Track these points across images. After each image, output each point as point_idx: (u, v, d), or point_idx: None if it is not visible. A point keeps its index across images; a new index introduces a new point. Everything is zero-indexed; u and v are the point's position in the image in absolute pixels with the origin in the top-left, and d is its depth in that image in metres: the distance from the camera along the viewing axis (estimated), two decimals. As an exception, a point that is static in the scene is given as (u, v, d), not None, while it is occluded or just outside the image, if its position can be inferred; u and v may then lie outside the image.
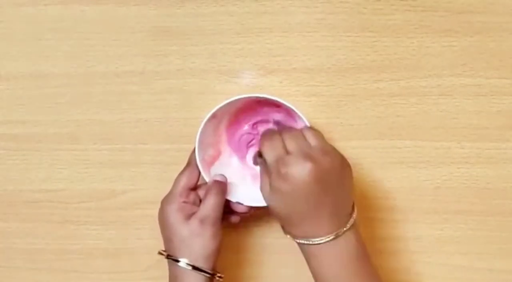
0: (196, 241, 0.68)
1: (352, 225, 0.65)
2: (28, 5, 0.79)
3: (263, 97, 0.70)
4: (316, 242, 0.64)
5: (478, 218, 0.79)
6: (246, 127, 0.76)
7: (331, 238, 0.64)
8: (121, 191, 0.80)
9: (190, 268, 0.67)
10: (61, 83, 0.80)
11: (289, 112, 0.73)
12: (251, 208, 0.72)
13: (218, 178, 0.71)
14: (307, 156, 0.64)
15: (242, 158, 0.76)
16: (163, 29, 0.79)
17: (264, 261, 0.80)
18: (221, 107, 0.69)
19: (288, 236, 0.67)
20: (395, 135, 0.79)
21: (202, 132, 0.70)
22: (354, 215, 0.66)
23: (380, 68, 0.78)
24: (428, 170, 0.79)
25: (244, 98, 0.70)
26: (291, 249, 0.76)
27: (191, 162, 0.72)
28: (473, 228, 0.79)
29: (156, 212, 0.72)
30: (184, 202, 0.70)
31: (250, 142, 0.76)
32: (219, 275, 0.70)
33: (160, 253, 0.71)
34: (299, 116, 0.69)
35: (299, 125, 0.73)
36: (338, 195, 0.65)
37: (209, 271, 0.68)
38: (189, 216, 0.69)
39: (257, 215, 0.77)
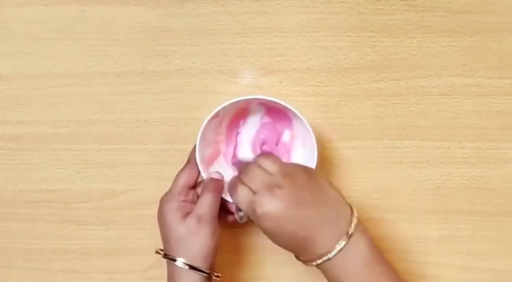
0: (193, 240, 0.68)
1: (359, 228, 0.63)
2: (28, 5, 0.79)
3: (266, 100, 0.70)
4: (327, 258, 0.63)
5: (478, 218, 0.79)
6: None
7: (340, 247, 0.62)
8: (121, 191, 0.80)
9: (187, 267, 0.67)
10: (61, 83, 0.80)
11: (286, 112, 0.73)
12: None
13: (215, 176, 0.71)
14: (270, 186, 0.63)
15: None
16: (163, 29, 0.79)
17: (264, 261, 0.80)
18: (224, 107, 0.69)
19: (307, 264, 0.65)
20: (395, 135, 0.79)
21: (203, 131, 0.70)
22: (356, 215, 0.64)
23: (380, 68, 0.78)
24: (428, 170, 0.79)
25: (248, 99, 0.70)
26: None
27: (191, 160, 0.72)
28: (473, 228, 0.79)
29: (156, 212, 0.72)
30: (183, 200, 0.70)
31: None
32: (216, 274, 0.70)
33: (157, 252, 0.71)
34: (300, 119, 0.69)
35: (296, 127, 0.73)
36: (323, 204, 0.64)
37: (206, 271, 0.68)
38: (186, 215, 0.69)
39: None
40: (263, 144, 0.75)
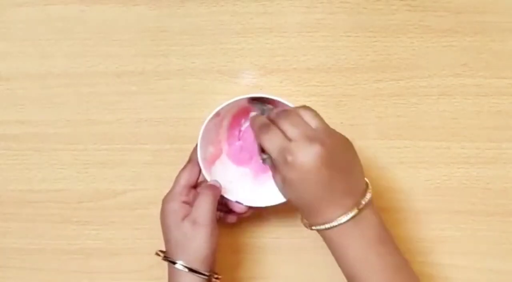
0: (190, 243, 0.67)
1: (371, 205, 0.63)
2: (28, 5, 0.79)
3: (267, 97, 0.70)
4: (337, 224, 0.62)
5: (478, 218, 0.79)
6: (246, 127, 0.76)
7: (351, 215, 0.62)
8: (121, 191, 0.80)
9: (186, 270, 0.67)
10: (61, 83, 0.80)
11: None
12: (249, 208, 0.72)
13: (212, 183, 0.70)
14: (313, 139, 0.62)
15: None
16: (163, 29, 0.79)
17: (264, 261, 0.80)
18: (225, 106, 0.69)
19: (312, 227, 0.64)
20: (395, 135, 0.79)
21: (204, 130, 0.70)
22: (369, 191, 0.64)
23: (380, 68, 0.78)
24: (428, 170, 0.79)
25: (249, 97, 0.70)
26: (291, 249, 0.77)
27: (192, 159, 0.72)
28: (473, 228, 0.79)
29: (156, 212, 0.71)
30: (184, 201, 0.70)
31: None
32: (216, 276, 0.70)
33: (157, 254, 0.70)
34: None
35: None
36: (349, 174, 0.64)
37: (206, 273, 0.68)
38: (183, 217, 0.68)
39: (256, 215, 0.77)
40: None
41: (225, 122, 0.74)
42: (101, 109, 0.80)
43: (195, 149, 0.71)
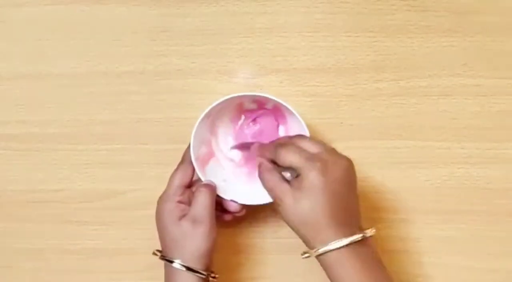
0: (189, 242, 0.68)
1: (368, 237, 0.64)
2: (28, 5, 0.79)
3: (258, 96, 0.70)
4: (340, 246, 0.62)
5: (478, 218, 0.79)
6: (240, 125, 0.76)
7: (354, 238, 0.63)
8: (121, 191, 0.80)
9: (184, 269, 0.67)
10: (61, 83, 0.80)
11: (276, 112, 0.73)
12: (244, 207, 0.72)
13: (206, 183, 0.71)
14: (339, 154, 0.65)
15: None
16: (163, 29, 0.79)
17: (264, 261, 0.80)
18: (216, 105, 0.69)
19: (311, 252, 0.64)
20: (395, 135, 0.79)
21: (197, 130, 0.70)
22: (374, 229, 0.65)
23: (380, 68, 0.78)
24: (428, 170, 0.79)
25: (239, 96, 0.70)
26: (290, 249, 0.76)
27: (185, 159, 0.72)
28: (473, 228, 0.79)
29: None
30: (179, 201, 0.70)
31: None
32: (213, 275, 0.70)
33: (154, 254, 0.71)
34: (294, 115, 0.69)
35: (290, 124, 0.73)
36: (355, 198, 0.66)
37: (203, 272, 0.68)
38: (181, 216, 0.69)
39: (256, 215, 0.77)
40: (260, 133, 0.75)
41: (218, 122, 0.75)
42: (101, 109, 0.80)
43: (187, 149, 0.71)
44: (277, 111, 0.74)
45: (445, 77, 0.78)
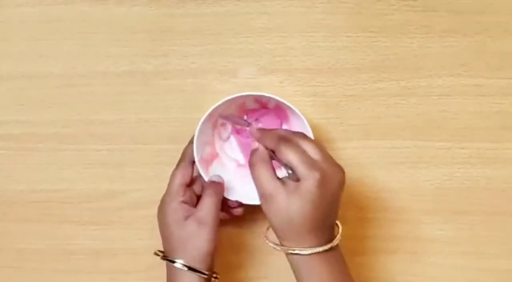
0: (193, 242, 0.68)
1: (338, 246, 0.66)
2: (28, 5, 0.79)
3: (262, 96, 0.70)
4: (313, 252, 0.64)
5: (478, 218, 0.79)
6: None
7: (327, 247, 0.64)
8: (121, 191, 0.80)
9: (186, 269, 0.67)
10: (61, 83, 0.80)
11: (278, 111, 0.73)
12: (242, 206, 0.73)
13: (214, 179, 0.71)
14: (335, 164, 0.65)
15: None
16: (163, 29, 0.79)
17: (264, 261, 0.80)
18: (219, 106, 0.69)
19: (282, 247, 0.65)
20: (395, 135, 0.79)
21: (199, 131, 0.70)
22: (340, 231, 0.66)
23: (380, 68, 0.78)
24: (428, 170, 0.79)
25: (242, 96, 0.70)
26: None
27: (184, 158, 0.72)
28: (473, 228, 0.79)
29: (156, 212, 0.72)
30: (182, 201, 0.70)
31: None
32: (215, 275, 0.70)
33: (156, 254, 0.71)
34: (297, 115, 0.69)
35: (293, 123, 0.73)
36: (339, 207, 0.66)
37: (206, 272, 0.68)
38: (186, 217, 0.69)
39: (257, 216, 0.77)
40: None
41: (220, 121, 0.75)
42: (101, 109, 0.80)
43: (187, 146, 0.71)
44: (279, 111, 0.74)
45: (445, 77, 0.78)
